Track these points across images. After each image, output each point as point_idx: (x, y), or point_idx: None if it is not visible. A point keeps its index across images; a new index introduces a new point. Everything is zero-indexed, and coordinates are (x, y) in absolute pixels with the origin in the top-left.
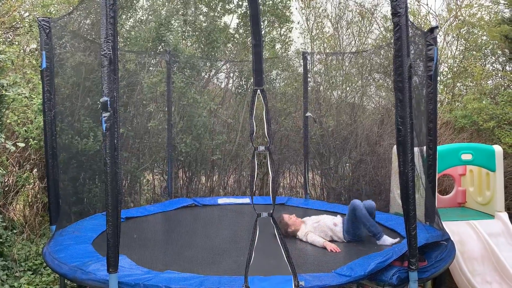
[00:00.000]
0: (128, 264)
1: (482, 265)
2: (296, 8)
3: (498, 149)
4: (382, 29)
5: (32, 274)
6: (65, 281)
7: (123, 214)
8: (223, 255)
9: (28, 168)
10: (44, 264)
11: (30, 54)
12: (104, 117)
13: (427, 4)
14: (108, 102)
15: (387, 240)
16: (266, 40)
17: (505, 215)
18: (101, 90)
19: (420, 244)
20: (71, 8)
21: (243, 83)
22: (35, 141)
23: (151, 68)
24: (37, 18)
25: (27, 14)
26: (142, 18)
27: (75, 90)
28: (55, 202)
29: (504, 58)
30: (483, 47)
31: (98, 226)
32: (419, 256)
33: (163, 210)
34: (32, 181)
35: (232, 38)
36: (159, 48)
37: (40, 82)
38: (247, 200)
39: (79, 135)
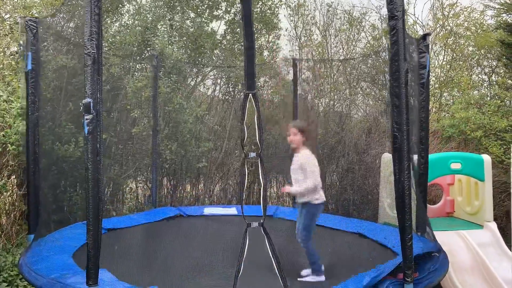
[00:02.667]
0: (109, 278)
1: (472, 276)
2: (285, 15)
3: (487, 158)
4: (370, 38)
5: (8, 286)
6: None
7: (105, 224)
8: (210, 268)
9: (5, 174)
10: (21, 276)
11: (11, 56)
12: (86, 119)
13: (414, 14)
14: (91, 103)
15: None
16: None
17: (494, 225)
18: (84, 91)
19: (414, 255)
20: (54, 10)
21: (231, 89)
22: (14, 147)
23: (136, 73)
24: (25, 18)
25: (7, 16)
26: (127, 22)
27: (57, 94)
28: (34, 210)
29: (490, 69)
30: (469, 58)
31: (78, 235)
32: None
33: (148, 220)
34: (9, 188)
35: (219, 44)
36: (145, 52)
37: (20, 85)
38: (233, 210)
39: (60, 141)
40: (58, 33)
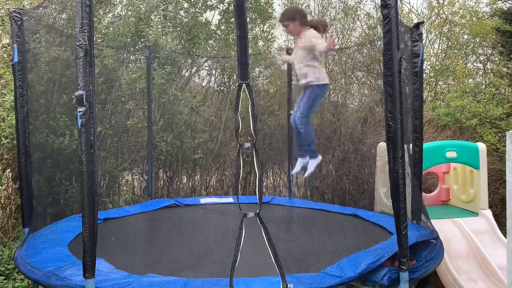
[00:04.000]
0: (106, 268)
1: (467, 263)
2: (279, 5)
3: (482, 146)
4: (365, 27)
5: (5, 279)
6: (39, 287)
7: (101, 215)
8: (207, 257)
9: (0, 168)
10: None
11: (2, 49)
12: (80, 112)
13: (409, 2)
14: (84, 96)
15: (311, 165)
16: (249, 37)
17: (489, 213)
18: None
19: (410, 243)
20: (44, 1)
21: (226, 80)
22: (8, 140)
23: (130, 64)
24: (9, 10)
25: None
26: (120, 13)
27: (50, 87)
28: (28, 204)
29: (485, 57)
30: (465, 46)
31: (74, 228)
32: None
33: (144, 210)
34: (4, 182)
35: (214, 35)
36: (139, 43)
37: (12, 78)
38: (230, 199)
39: (55, 133)
40: (50, 25)
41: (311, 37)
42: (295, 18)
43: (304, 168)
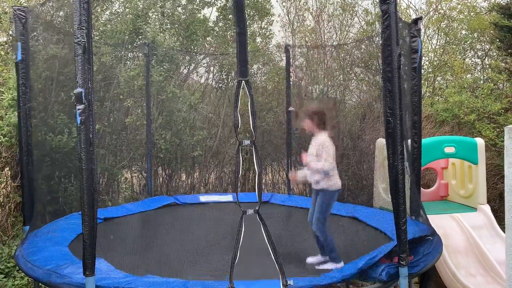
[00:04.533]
0: (106, 267)
1: (466, 258)
2: (277, 1)
3: (480, 141)
4: (363, 23)
5: (5, 277)
6: (39, 285)
7: (101, 214)
8: (207, 255)
9: None
10: (17, 267)
11: (0, 47)
12: (79, 109)
13: None
14: (83, 93)
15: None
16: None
17: (487, 208)
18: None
19: (408, 239)
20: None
21: (224, 77)
22: (6, 138)
23: (128, 62)
24: (13, 7)
25: None
26: (118, 10)
27: (48, 85)
28: (29, 202)
29: (483, 52)
30: (463, 41)
31: (74, 226)
32: None
33: (143, 209)
34: (3, 180)
35: (211, 31)
36: (137, 41)
37: (11, 76)
38: (229, 197)
39: (53, 131)
40: (48, 22)
41: (320, 141)
42: (312, 118)
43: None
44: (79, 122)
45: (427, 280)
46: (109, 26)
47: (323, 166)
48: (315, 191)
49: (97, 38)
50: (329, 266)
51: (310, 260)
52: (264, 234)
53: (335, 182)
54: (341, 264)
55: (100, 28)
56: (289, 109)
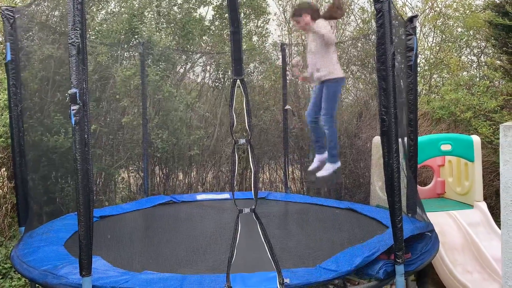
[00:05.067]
0: (103, 266)
1: (463, 255)
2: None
3: (476, 139)
4: (359, 21)
5: (1, 278)
6: (36, 286)
7: (97, 213)
8: (203, 253)
9: None
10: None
11: None
12: (73, 110)
13: None
14: (77, 94)
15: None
16: (243, 32)
17: (483, 205)
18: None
19: (405, 237)
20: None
21: (220, 76)
22: (2, 139)
23: (124, 61)
24: (0, 7)
25: None
26: (114, 10)
27: (44, 85)
28: (23, 203)
29: (479, 50)
30: (459, 39)
31: (70, 226)
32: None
33: (140, 207)
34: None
35: (208, 30)
36: (132, 40)
37: (6, 77)
38: (227, 195)
39: (50, 132)
40: (43, 23)
41: (321, 27)
42: (307, 13)
43: (320, 166)
44: (73, 122)
45: (424, 277)
46: (104, 25)
47: (327, 32)
48: (319, 85)
49: (93, 38)
50: (326, 170)
51: (313, 166)
52: (260, 233)
53: (338, 68)
54: (338, 164)
55: (96, 28)
56: (285, 107)
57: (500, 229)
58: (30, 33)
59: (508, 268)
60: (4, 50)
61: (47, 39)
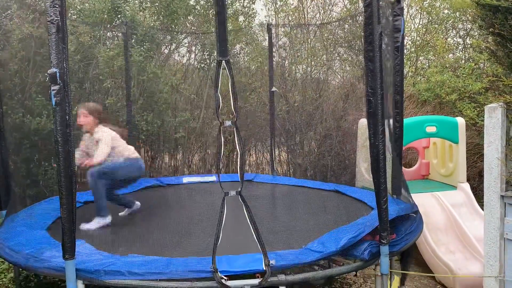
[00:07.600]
0: (86, 249)
1: (446, 235)
2: None
3: (461, 121)
4: (346, 1)
5: None
6: (20, 269)
7: (82, 197)
8: (189, 236)
9: None
10: None
11: None
12: (53, 90)
13: None
14: (57, 73)
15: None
16: (229, 12)
17: (467, 186)
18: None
19: (390, 218)
20: None
21: (206, 57)
22: None
23: (107, 42)
24: None
25: None
26: None
27: (25, 65)
28: (4, 186)
29: (465, 32)
30: (445, 21)
31: (53, 210)
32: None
33: (125, 191)
34: None
35: (193, 10)
36: (116, 20)
37: None
38: (213, 178)
39: (31, 113)
40: (22, 0)
41: (101, 133)
42: (95, 112)
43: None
44: (54, 103)
45: (407, 257)
46: (87, 4)
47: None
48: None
49: (75, 17)
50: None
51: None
52: (246, 215)
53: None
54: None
55: (78, 7)
56: (272, 89)
57: (482, 209)
58: (9, 12)
59: (489, 248)
60: None
61: (26, 18)
